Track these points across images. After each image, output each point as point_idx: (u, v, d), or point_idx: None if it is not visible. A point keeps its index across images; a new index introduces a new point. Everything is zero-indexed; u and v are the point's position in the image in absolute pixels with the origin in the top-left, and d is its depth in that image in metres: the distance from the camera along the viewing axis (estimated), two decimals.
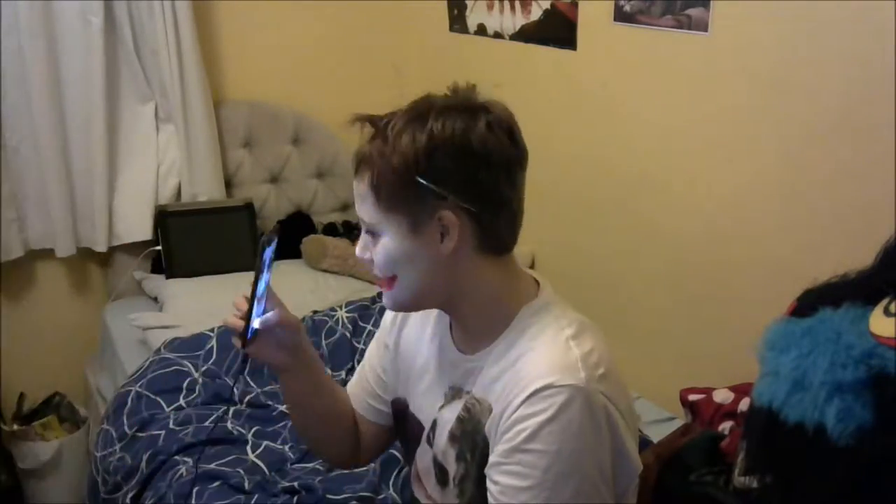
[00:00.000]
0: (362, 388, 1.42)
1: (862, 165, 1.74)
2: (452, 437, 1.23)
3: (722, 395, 1.78)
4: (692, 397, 1.84)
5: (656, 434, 1.91)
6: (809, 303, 1.28)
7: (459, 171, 1.09)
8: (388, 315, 1.40)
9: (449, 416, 1.24)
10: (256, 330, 1.19)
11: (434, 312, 1.31)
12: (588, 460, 1.08)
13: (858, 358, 1.10)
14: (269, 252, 1.20)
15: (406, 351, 1.35)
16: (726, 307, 2.08)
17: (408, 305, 1.22)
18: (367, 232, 1.16)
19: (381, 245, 1.14)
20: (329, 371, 2.25)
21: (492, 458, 1.12)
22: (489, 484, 1.12)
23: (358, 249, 1.19)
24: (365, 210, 1.14)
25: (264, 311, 1.22)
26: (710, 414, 1.77)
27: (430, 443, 1.29)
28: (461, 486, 1.23)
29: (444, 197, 1.09)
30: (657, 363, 2.30)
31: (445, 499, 1.28)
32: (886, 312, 1.15)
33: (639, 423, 2.05)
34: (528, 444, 1.07)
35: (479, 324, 1.20)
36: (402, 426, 1.38)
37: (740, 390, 1.74)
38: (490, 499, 1.11)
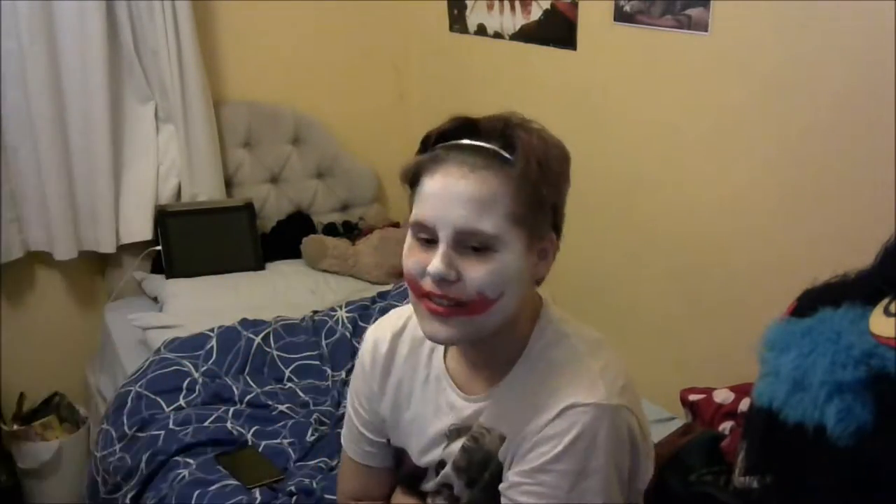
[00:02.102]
0: (359, 441, 1.32)
1: (861, 165, 1.74)
2: (458, 469, 1.18)
3: (722, 396, 1.78)
4: (692, 397, 1.84)
5: (656, 434, 1.91)
6: (809, 303, 1.28)
7: (565, 197, 1.10)
8: (366, 358, 1.27)
9: (453, 450, 1.18)
10: None
11: (423, 354, 1.23)
12: (612, 475, 1.06)
13: (858, 358, 1.10)
14: None
15: (397, 398, 1.25)
16: (726, 307, 2.08)
17: (487, 332, 1.07)
18: (470, 247, 1.02)
19: (498, 261, 1.02)
20: (329, 371, 2.25)
21: (511, 479, 1.09)
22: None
23: (440, 266, 1.01)
24: (488, 219, 1.01)
25: None
26: (711, 414, 1.76)
27: (437, 474, 1.23)
28: None
29: (555, 220, 1.09)
30: (657, 363, 2.30)
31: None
32: (886, 312, 1.14)
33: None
34: (552, 464, 1.05)
35: (494, 357, 1.13)
36: (401, 469, 1.30)
37: (741, 390, 1.74)
38: None
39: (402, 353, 1.24)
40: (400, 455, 1.28)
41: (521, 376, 1.12)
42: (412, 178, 1.07)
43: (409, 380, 1.23)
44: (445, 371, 1.19)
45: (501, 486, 1.11)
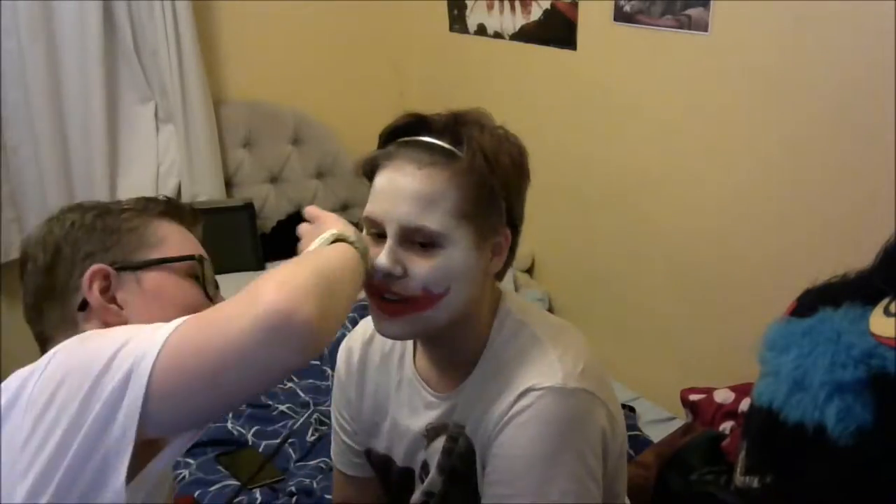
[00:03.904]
0: (345, 453, 1.32)
1: (862, 165, 1.74)
2: (442, 470, 1.17)
3: (722, 395, 1.79)
4: (693, 397, 1.84)
5: (657, 434, 1.91)
6: (809, 303, 1.28)
7: (521, 192, 1.10)
8: (341, 368, 1.29)
9: (435, 450, 1.17)
10: None
11: (395, 359, 1.22)
12: (571, 459, 1.02)
13: (858, 358, 1.10)
14: None
15: (375, 405, 1.24)
16: (726, 307, 2.08)
17: (439, 326, 1.07)
18: (417, 242, 1.02)
19: (444, 257, 1.02)
20: (329, 371, 2.25)
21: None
22: (483, 500, 1.08)
23: (385, 261, 1.01)
24: (433, 216, 1.01)
25: None
26: (711, 414, 1.77)
27: (422, 480, 1.21)
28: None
29: (506, 215, 1.07)
30: (658, 363, 2.30)
31: None
32: (886, 312, 1.15)
33: (638, 421, 2.06)
34: (505, 450, 1.04)
35: (458, 354, 1.12)
36: (387, 479, 1.28)
37: (741, 390, 1.74)
38: None
39: (374, 360, 1.25)
40: (386, 465, 1.27)
41: (484, 370, 1.11)
42: (369, 173, 1.08)
43: (385, 386, 1.23)
44: (416, 373, 1.18)
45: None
